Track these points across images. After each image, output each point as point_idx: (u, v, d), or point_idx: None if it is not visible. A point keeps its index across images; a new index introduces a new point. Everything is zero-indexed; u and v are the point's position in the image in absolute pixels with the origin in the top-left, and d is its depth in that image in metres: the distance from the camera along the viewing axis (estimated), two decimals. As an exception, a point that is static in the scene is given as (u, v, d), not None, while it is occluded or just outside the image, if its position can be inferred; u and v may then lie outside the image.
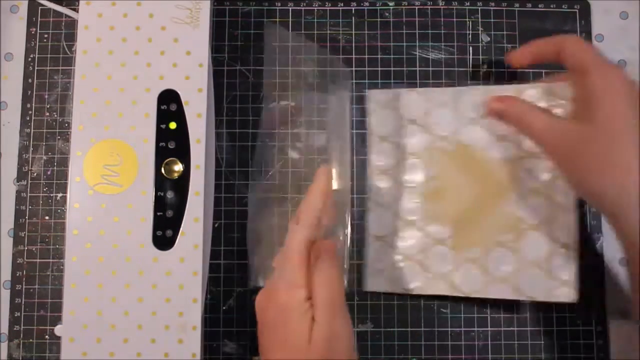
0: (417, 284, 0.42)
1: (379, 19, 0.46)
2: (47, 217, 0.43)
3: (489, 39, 0.46)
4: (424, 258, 0.42)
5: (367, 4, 0.46)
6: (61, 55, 0.45)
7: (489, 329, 0.43)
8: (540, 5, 0.46)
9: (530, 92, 0.41)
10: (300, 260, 0.34)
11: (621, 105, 0.35)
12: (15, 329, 0.42)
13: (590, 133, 0.35)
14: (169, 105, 0.38)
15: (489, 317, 0.43)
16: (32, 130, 0.44)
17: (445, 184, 0.43)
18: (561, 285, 0.41)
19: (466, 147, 0.43)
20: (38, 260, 0.43)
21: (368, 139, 0.44)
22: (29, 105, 0.44)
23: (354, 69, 0.45)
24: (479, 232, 0.42)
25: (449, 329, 0.43)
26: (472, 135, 0.43)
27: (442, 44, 0.46)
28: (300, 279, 0.34)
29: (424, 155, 0.43)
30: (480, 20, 0.46)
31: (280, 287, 0.34)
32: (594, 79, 0.36)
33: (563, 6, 0.46)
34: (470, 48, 0.46)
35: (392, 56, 0.45)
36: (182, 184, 0.38)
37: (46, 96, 0.44)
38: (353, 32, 0.45)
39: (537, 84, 0.41)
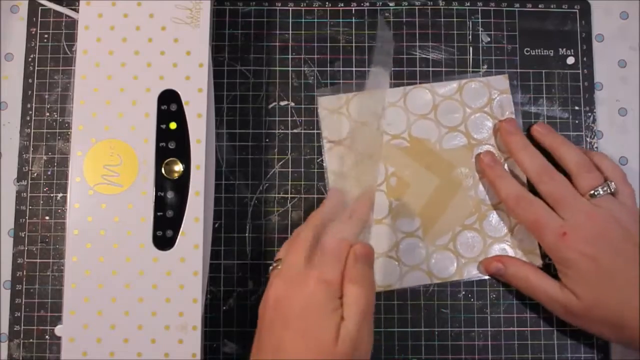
0: (395, 279, 0.43)
1: (379, 19, 0.46)
2: (47, 217, 0.43)
3: (489, 39, 0.46)
4: (397, 252, 0.43)
5: (367, 4, 0.46)
6: (61, 55, 0.45)
7: (489, 329, 0.43)
8: (540, 5, 0.46)
9: (472, 85, 0.45)
10: (341, 258, 0.35)
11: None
12: (15, 329, 0.42)
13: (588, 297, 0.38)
14: (169, 105, 0.38)
15: (489, 317, 0.43)
16: (32, 130, 0.44)
17: (405, 179, 0.44)
18: (526, 254, 0.44)
19: (420, 141, 0.45)
20: (38, 260, 0.43)
21: (322, 145, 0.44)
22: (29, 105, 0.44)
23: (354, 69, 0.45)
24: (445, 219, 0.44)
25: (449, 329, 0.43)
26: (424, 129, 0.45)
27: (442, 44, 0.46)
28: (337, 275, 0.34)
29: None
30: (480, 20, 0.46)
31: (311, 278, 0.34)
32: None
33: (563, 6, 0.46)
34: (470, 48, 0.46)
35: (392, 56, 0.45)
36: (182, 184, 0.38)
37: (46, 96, 0.44)
38: (353, 32, 0.46)
39: (479, 79, 0.45)
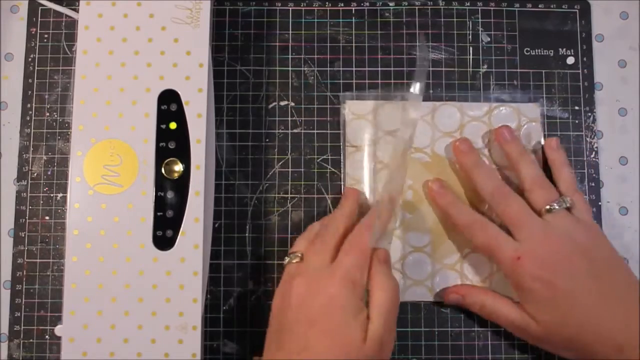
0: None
1: (379, 19, 0.46)
2: (47, 217, 0.43)
3: (489, 39, 0.46)
4: (402, 265, 0.43)
5: (367, 4, 0.46)
6: (61, 55, 0.45)
7: (489, 329, 0.43)
8: (540, 5, 0.46)
9: (502, 110, 0.45)
10: (366, 260, 0.36)
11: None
12: (15, 329, 0.42)
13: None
14: (169, 105, 0.38)
15: (489, 317, 0.43)
16: (32, 130, 0.44)
17: (421, 193, 0.44)
18: None
19: (441, 158, 0.44)
20: (38, 260, 0.43)
21: (342, 148, 0.44)
22: (29, 105, 0.44)
23: (354, 69, 0.45)
24: (456, 239, 0.44)
25: (449, 329, 0.43)
26: (447, 147, 0.44)
27: (442, 44, 0.46)
28: (363, 277, 0.35)
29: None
30: (480, 20, 0.46)
31: (336, 278, 0.34)
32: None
33: (563, 6, 0.46)
34: (470, 48, 0.46)
35: (392, 56, 0.45)
36: (182, 184, 0.38)
37: (46, 96, 0.44)
38: (353, 32, 0.46)
39: (510, 104, 0.45)
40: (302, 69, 0.45)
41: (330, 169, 0.44)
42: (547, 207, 0.39)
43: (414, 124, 0.42)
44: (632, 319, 0.35)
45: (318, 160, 0.44)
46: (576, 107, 0.45)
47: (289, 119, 0.45)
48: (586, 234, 0.38)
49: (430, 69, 0.45)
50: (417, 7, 0.46)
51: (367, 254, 0.36)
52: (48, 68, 0.44)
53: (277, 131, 0.45)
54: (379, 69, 0.45)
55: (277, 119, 0.45)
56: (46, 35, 0.45)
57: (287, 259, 0.38)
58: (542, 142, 0.44)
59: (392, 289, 0.35)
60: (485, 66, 0.45)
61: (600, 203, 0.45)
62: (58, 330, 0.42)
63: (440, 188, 0.42)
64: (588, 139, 0.45)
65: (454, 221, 0.41)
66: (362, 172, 0.44)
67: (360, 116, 0.44)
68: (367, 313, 0.34)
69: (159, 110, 0.38)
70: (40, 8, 0.45)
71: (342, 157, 0.44)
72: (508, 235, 0.39)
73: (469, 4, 0.46)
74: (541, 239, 0.37)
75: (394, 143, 0.43)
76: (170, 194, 0.38)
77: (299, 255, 0.38)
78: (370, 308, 0.34)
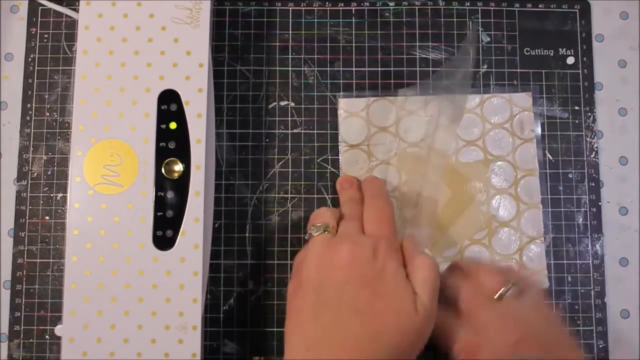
0: None
1: (379, 19, 0.46)
2: (47, 217, 0.43)
3: (489, 39, 0.46)
4: None
5: (367, 4, 0.46)
6: (61, 55, 0.45)
7: (489, 329, 0.43)
8: (540, 5, 0.46)
9: (494, 100, 0.45)
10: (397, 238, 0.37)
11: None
12: (15, 329, 0.42)
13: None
14: (169, 105, 0.38)
15: (489, 317, 0.43)
16: (32, 130, 0.44)
17: (417, 188, 0.44)
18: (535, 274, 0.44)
19: (437, 151, 0.44)
20: (38, 260, 0.43)
21: (339, 146, 0.44)
22: (29, 105, 0.44)
23: (354, 69, 0.45)
24: (455, 232, 0.44)
25: (449, 329, 0.43)
26: (442, 140, 0.44)
27: (442, 44, 0.46)
28: (400, 255, 0.36)
29: (395, 161, 0.44)
30: (480, 20, 0.46)
31: (381, 247, 0.35)
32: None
33: (563, 6, 0.46)
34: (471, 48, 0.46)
35: (392, 56, 0.45)
36: (182, 184, 0.38)
37: (46, 96, 0.44)
38: (353, 32, 0.46)
39: (502, 95, 0.45)
40: (302, 69, 0.45)
41: (330, 169, 0.44)
42: (498, 294, 0.37)
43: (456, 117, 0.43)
44: None
45: (318, 160, 0.44)
46: (576, 107, 0.45)
47: (289, 119, 0.45)
48: (536, 316, 0.36)
49: (431, 69, 0.45)
50: (417, 7, 0.46)
51: (395, 229, 0.37)
52: (48, 68, 0.44)
53: (277, 131, 0.45)
54: (379, 69, 0.45)
55: (277, 119, 0.45)
56: (46, 35, 0.45)
57: (313, 229, 0.37)
58: (538, 131, 0.44)
59: (435, 268, 0.35)
60: (485, 66, 0.45)
61: (600, 203, 0.45)
62: (58, 330, 0.42)
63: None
64: (588, 139, 0.45)
65: None
66: (357, 170, 0.44)
67: (353, 113, 0.44)
68: (412, 286, 0.34)
69: (159, 110, 0.38)
70: (40, 8, 0.45)
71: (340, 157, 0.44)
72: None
73: (469, 4, 0.46)
74: (497, 329, 0.36)
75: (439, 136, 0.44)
76: (170, 194, 0.38)
77: (326, 227, 0.37)
78: (415, 283, 0.34)
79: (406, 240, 0.37)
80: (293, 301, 0.35)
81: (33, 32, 0.45)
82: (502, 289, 0.37)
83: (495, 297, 0.37)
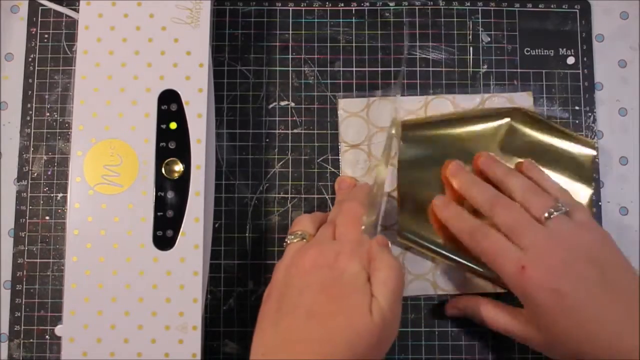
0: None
1: (379, 19, 0.46)
2: (47, 217, 0.43)
3: (489, 39, 0.46)
4: (403, 260, 0.43)
5: (367, 4, 0.46)
6: (61, 55, 0.45)
7: (489, 328, 0.43)
8: (540, 5, 0.46)
9: (495, 100, 0.45)
10: (368, 238, 0.36)
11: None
12: (15, 329, 0.42)
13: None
14: (170, 105, 0.38)
15: (489, 317, 0.43)
16: (32, 131, 0.44)
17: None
18: None
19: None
20: (38, 260, 0.43)
21: (339, 146, 0.44)
22: (29, 106, 0.44)
23: (354, 69, 0.45)
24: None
25: (449, 329, 0.43)
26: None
27: (442, 44, 0.46)
28: (365, 256, 0.35)
29: (396, 161, 0.43)
30: (480, 20, 0.46)
31: (347, 253, 0.34)
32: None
33: (563, 6, 0.46)
34: (471, 48, 0.46)
35: (392, 56, 0.45)
36: (182, 184, 0.38)
37: (46, 96, 0.44)
38: (353, 32, 0.46)
39: (502, 94, 0.45)
40: (302, 69, 0.45)
41: (330, 169, 0.44)
42: (546, 214, 0.37)
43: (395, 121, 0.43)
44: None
45: (318, 160, 0.44)
46: (576, 107, 0.45)
47: (289, 119, 0.45)
48: (591, 238, 0.37)
49: (431, 69, 0.45)
50: (417, 7, 0.46)
51: (362, 239, 0.36)
52: (48, 68, 0.44)
53: (277, 131, 0.45)
54: (379, 69, 0.45)
55: (277, 119, 0.45)
56: (46, 35, 0.45)
57: (290, 237, 0.38)
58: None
59: (397, 268, 0.35)
60: (486, 66, 0.45)
61: (600, 203, 0.45)
62: (58, 330, 0.42)
63: (442, 203, 0.41)
64: (588, 139, 0.45)
65: (455, 231, 0.40)
66: (358, 170, 0.44)
67: (353, 113, 0.44)
68: (371, 289, 0.34)
69: (159, 110, 0.38)
70: (40, 8, 0.45)
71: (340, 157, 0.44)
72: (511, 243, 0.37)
73: (469, 4, 0.46)
74: (545, 247, 0.36)
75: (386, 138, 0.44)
76: (170, 194, 0.38)
77: (303, 235, 0.37)
78: (374, 287, 0.34)
79: (374, 242, 0.36)
80: (262, 308, 0.36)
81: (33, 32, 0.45)
82: (550, 209, 0.37)
83: (543, 217, 0.37)
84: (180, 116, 0.38)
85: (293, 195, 0.44)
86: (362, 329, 0.32)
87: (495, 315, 0.39)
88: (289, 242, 0.38)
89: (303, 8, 0.46)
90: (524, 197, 0.38)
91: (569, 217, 0.37)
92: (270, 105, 0.45)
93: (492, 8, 0.46)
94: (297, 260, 0.35)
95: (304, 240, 0.37)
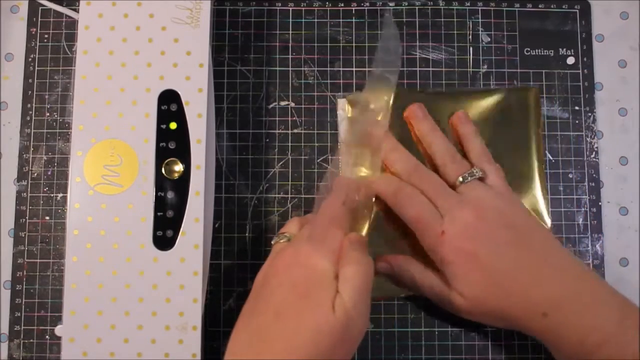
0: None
1: (379, 19, 0.46)
2: (47, 218, 0.43)
3: (489, 39, 0.46)
4: None
5: (367, 4, 0.46)
6: (61, 56, 0.45)
7: (489, 329, 0.43)
8: (540, 5, 0.46)
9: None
10: (342, 236, 0.35)
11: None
12: (15, 329, 0.42)
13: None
14: (170, 105, 0.38)
15: (489, 317, 0.43)
16: (32, 131, 0.44)
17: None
18: None
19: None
20: (38, 260, 0.43)
21: (339, 146, 0.44)
22: (29, 106, 0.44)
23: (354, 69, 0.45)
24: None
25: (449, 329, 0.43)
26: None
27: (442, 44, 0.46)
28: (335, 252, 0.34)
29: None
30: (480, 20, 0.46)
31: (315, 250, 0.34)
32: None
33: (563, 6, 0.46)
34: (471, 48, 0.46)
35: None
36: (182, 184, 0.38)
37: (46, 96, 0.44)
38: (353, 32, 0.46)
39: (501, 88, 0.45)
40: (302, 69, 0.45)
41: (330, 169, 0.44)
42: (460, 179, 0.39)
43: (382, 111, 0.43)
44: (554, 283, 0.36)
45: (318, 161, 0.44)
46: (576, 107, 0.45)
47: (289, 119, 0.45)
48: (502, 201, 0.38)
49: (431, 69, 0.45)
50: (417, 7, 0.46)
51: (342, 227, 0.36)
52: (48, 68, 0.44)
53: (277, 131, 0.45)
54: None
55: (277, 119, 0.45)
56: (46, 35, 0.45)
57: (275, 239, 0.38)
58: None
59: (364, 264, 0.34)
60: (485, 66, 0.45)
61: (600, 203, 0.45)
62: (58, 330, 0.42)
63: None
64: (588, 139, 0.45)
65: (379, 190, 0.41)
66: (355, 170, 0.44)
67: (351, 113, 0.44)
68: (337, 286, 0.33)
69: (159, 110, 0.38)
70: (40, 8, 0.45)
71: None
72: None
73: (469, 4, 0.46)
74: (459, 211, 0.37)
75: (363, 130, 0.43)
76: (170, 194, 0.38)
77: (289, 237, 0.37)
78: (340, 282, 0.33)
79: (346, 238, 0.36)
80: (241, 310, 0.36)
81: (33, 32, 0.45)
82: (464, 174, 0.39)
83: (457, 182, 0.39)
84: (180, 116, 0.38)
85: (293, 195, 0.44)
86: (324, 326, 0.32)
87: (422, 272, 0.40)
88: (273, 243, 0.38)
89: (303, 8, 0.46)
90: (442, 161, 0.40)
91: (482, 183, 0.39)
92: (270, 105, 0.45)
93: (492, 8, 0.46)
94: (275, 261, 0.35)
95: (289, 241, 0.37)
